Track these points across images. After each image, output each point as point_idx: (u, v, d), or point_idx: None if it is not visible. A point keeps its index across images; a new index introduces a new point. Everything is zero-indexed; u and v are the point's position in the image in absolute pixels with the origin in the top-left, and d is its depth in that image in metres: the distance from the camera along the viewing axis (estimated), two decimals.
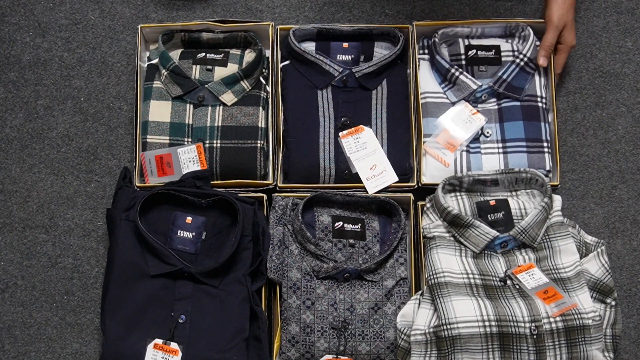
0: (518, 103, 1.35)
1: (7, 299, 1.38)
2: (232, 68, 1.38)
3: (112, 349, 1.21)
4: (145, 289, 1.24)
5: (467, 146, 1.34)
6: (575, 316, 1.18)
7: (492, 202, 1.30)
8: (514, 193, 1.33)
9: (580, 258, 1.26)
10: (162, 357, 1.21)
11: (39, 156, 1.44)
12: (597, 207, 1.42)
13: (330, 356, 1.24)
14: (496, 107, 1.36)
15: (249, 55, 1.41)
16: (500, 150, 1.34)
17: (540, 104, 1.35)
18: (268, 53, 1.42)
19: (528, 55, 1.35)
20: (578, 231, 1.30)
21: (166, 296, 1.24)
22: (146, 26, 1.40)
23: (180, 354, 1.21)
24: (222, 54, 1.39)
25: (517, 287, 1.22)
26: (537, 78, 1.37)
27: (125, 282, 1.24)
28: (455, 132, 1.34)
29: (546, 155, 1.33)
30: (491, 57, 1.37)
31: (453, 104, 1.36)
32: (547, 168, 1.33)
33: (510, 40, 1.40)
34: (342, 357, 1.24)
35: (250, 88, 1.38)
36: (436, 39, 1.37)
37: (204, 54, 1.39)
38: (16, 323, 1.37)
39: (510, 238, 1.25)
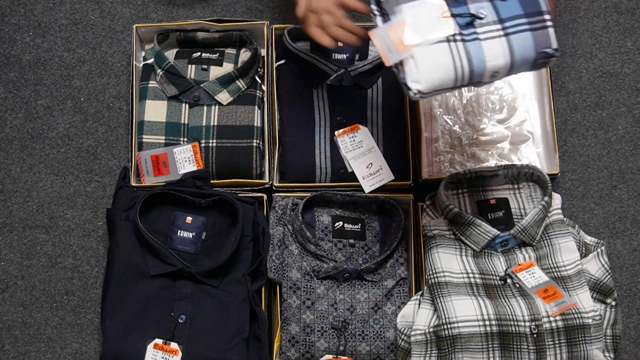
0: None
1: (7, 299, 1.38)
2: (227, 67, 1.38)
3: (112, 349, 1.21)
4: (145, 289, 1.24)
5: (461, 34, 1.10)
6: (575, 315, 1.17)
7: (493, 201, 1.31)
8: (515, 186, 1.33)
9: (580, 258, 1.26)
10: (162, 357, 1.21)
11: (39, 156, 1.44)
12: (597, 207, 1.42)
13: (330, 356, 1.24)
14: None
15: (245, 55, 1.41)
16: (501, 32, 1.11)
17: None
18: (263, 52, 1.42)
19: None
20: (577, 231, 1.30)
21: (166, 296, 1.24)
22: (141, 26, 1.40)
23: (180, 354, 1.21)
24: (218, 54, 1.39)
25: (517, 285, 1.22)
26: None
27: (125, 282, 1.24)
28: (413, 29, 1.09)
29: (550, 30, 1.11)
30: None
31: None
32: (554, 46, 1.12)
33: None
34: (342, 357, 1.24)
35: (245, 87, 1.38)
36: None
37: (199, 54, 1.39)
38: (16, 323, 1.37)
39: (510, 237, 1.25)
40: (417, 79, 1.06)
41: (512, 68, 1.10)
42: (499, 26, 1.10)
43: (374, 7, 1.11)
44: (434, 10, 1.09)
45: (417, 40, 1.07)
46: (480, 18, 1.11)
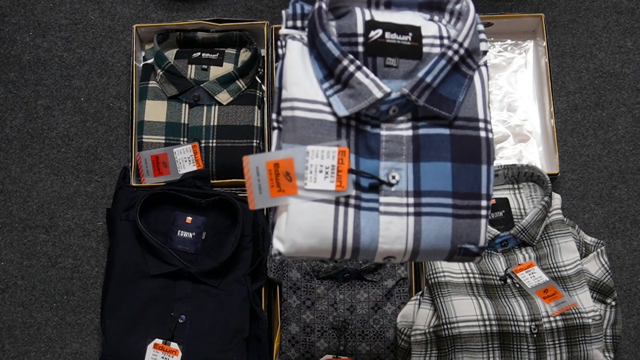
0: (446, 130, 0.84)
1: (7, 299, 1.38)
2: (227, 67, 1.38)
3: (112, 349, 1.21)
4: (145, 289, 1.24)
5: (358, 198, 0.83)
6: (575, 315, 1.17)
7: (493, 201, 1.30)
8: (515, 186, 1.33)
9: (580, 258, 1.26)
10: (162, 357, 1.21)
11: (39, 156, 1.44)
12: (597, 207, 1.42)
13: (330, 356, 1.24)
14: (410, 132, 0.85)
15: (245, 55, 1.41)
16: (411, 209, 0.83)
17: (482, 133, 0.85)
18: (263, 52, 1.42)
19: (466, 45, 0.84)
20: (577, 231, 1.30)
21: (166, 296, 1.24)
22: (141, 26, 1.40)
23: (180, 354, 1.21)
24: (218, 54, 1.39)
25: (518, 285, 1.22)
26: (478, 86, 0.86)
27: (125, 282, 1.24)
28: (298, 173, 0.82)
29: (482, 221, 0.85)
30: (406, 45, 0.84)
31: (339, 121, 0.83)
32: (481, 243, 0.85)
33: (437, 17, 0.88)
34: (342, 357, 1.24)
35: (245, 87, 1.38)
36: (323, 4, 0.83)
37: (199, 54, 1.39)
38: (16, 323, 1.37)
39: (510, 237, 1.25)
40: (282, 238, 0.84)
41: (416, 256, 0.85)
42: (411, 200, 0.83)
43: (273, 116, 0.86)
44: (333, 157, 0.80)
45: (296, 189, 0.81)
46: (391, 184, 0.83)
